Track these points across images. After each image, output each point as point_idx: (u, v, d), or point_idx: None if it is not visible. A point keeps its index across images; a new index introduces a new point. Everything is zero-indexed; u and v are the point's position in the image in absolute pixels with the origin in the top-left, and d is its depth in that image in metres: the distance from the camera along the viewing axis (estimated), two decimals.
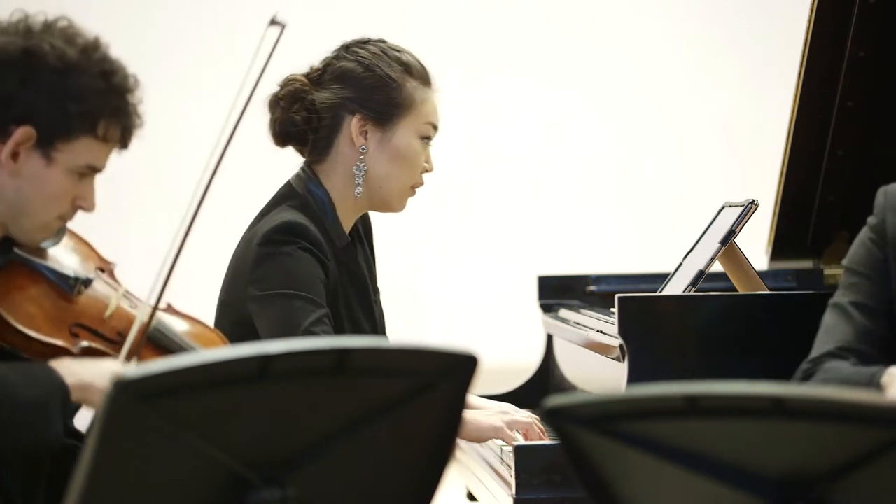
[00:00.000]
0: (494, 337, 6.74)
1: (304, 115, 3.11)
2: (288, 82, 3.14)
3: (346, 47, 3.17)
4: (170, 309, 2.53)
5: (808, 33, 3.59)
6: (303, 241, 2.99)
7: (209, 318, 3.08)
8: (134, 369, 1.77)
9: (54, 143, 2.33)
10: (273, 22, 2.50)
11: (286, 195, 3.12)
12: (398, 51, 3.16)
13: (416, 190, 3.17)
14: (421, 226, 6.80)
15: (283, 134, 3.14)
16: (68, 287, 2.42)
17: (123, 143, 2.43)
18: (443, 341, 2.00)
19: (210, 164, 2.45)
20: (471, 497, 3.69)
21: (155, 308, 2.42)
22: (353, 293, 3.12)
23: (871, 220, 2.72)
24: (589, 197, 7.04)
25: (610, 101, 7.06)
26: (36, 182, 2.35)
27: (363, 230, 3.24)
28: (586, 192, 7.04)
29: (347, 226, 3.14)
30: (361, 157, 3.09)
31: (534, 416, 3.18)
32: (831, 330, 2.66)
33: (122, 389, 1.76)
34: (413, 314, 6.90)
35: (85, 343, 2.39)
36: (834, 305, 2.69)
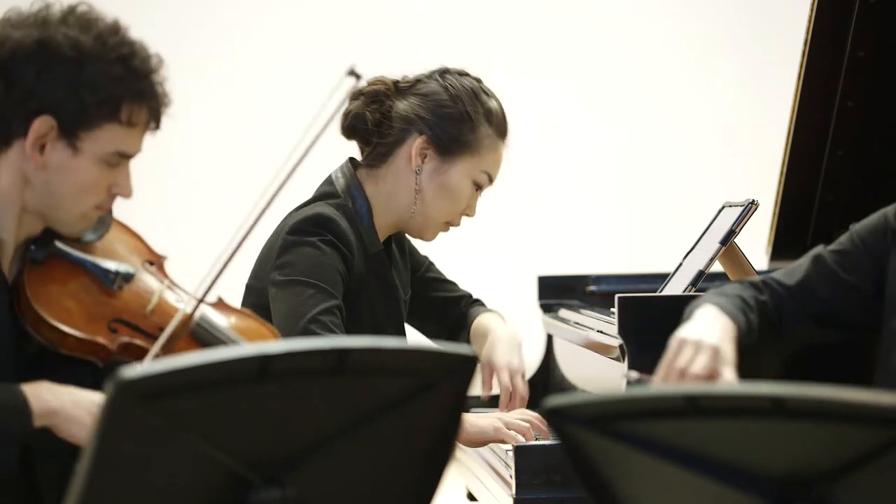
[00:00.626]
0: None
1: (377, 116, 3.15)
2: (375, 81, 3.19)
3: (443, 72, 3.24)
4: (220, 303, 2.51)
5: (808, 33, 3.59)
6: (328, 234, 3.03)
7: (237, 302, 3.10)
8: (134, 369, 1.77)
9: (77, 133, 2.32)
10: (351, 73, 2.50)
11: (327, 194, 3.15)
12: (488, 94, 3.22)
13: (450, 229, 3.24)
14: None
15: (352, 128, 3.17)
16: (108, 281, 2.40)
17: (153, 124, 2.41)
18: (443, 341, 2.00)
19: (270, 189, 2.42)
20: (471, 497, 3.69)
21: (199, 302, 2.39)
22: (380, 296, 3.14)
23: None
24: (589, 197, 7.04)
25: (610, 100, 7.06)
26: (65, 173, 2.34)
27: (397, 245, 3.27)
28: (586, 192, 7.04)
29: (382, 236, 3.18)
30: (416, 177, 3.13)
31: (532, 414, 3.18)
32: (787, 267, 2.66)
33: (122, 389, 1.76)
34: None
35: (125, 339, 2.38)
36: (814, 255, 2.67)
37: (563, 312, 3.81)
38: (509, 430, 3.11)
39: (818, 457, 1.72)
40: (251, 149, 6.50)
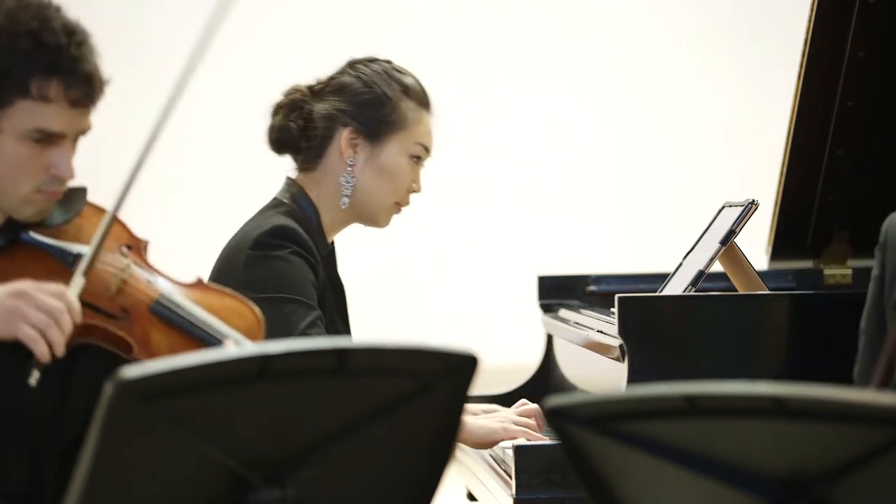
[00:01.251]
0: (494, 337, 6.74)
1: (300, 123, 3.19)
2: (290, 91, 3.23)
3: (352, 64, 3.26)
4: (198, 284, 2.47)
5: (808, 33, 3.59)
6: (293, 245, 3.05)
7: None
8: (134, 369, 1.77)
9: None
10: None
11: (273, 206, 3.18)
12: (401, 72, 3.25)
13: (402, 209, 3.23)
14: (421, 226, 6.80)
15: (279, 141, 3.21)
16: (68, 264, 2.35)
17: (77, 100, 2.35)
18: (443, 341, 2.00)
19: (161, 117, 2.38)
20: (471, 497, 3.69)
21: (94, 258, 2.32)
22: (333, 299, 3.17)
23: (876, 249, 2.72)
24: (589, 197, 7.04)
25: (610, 101, 7.06)
26: None
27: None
28: (586, 193, 7.04)
29: (331, 236, 3.21)
30: (350, 168, 3.16)
31: (531, 410, 3.19)
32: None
33: (122, 389, 1.76)
34: (413, 314, 6.91)
35: (87, 321, 2.34)
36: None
37: (563, 312, 3.81)
38: (517, 426, 3.12)
39: (818, 457, 1.72)
40: (250, 148, 6.48)
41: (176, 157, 6.59)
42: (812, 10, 3.56)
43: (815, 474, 1.73)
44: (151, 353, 2.35)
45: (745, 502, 1.76)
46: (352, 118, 3.17)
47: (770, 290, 3.32)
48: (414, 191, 3.22)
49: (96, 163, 6.65)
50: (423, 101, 3.23)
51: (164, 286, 2.41)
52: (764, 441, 1.74)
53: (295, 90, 3.22)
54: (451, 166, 6.86)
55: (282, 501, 1.88)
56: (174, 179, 6.61)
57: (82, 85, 2.35)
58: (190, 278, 2.46)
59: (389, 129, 3.18)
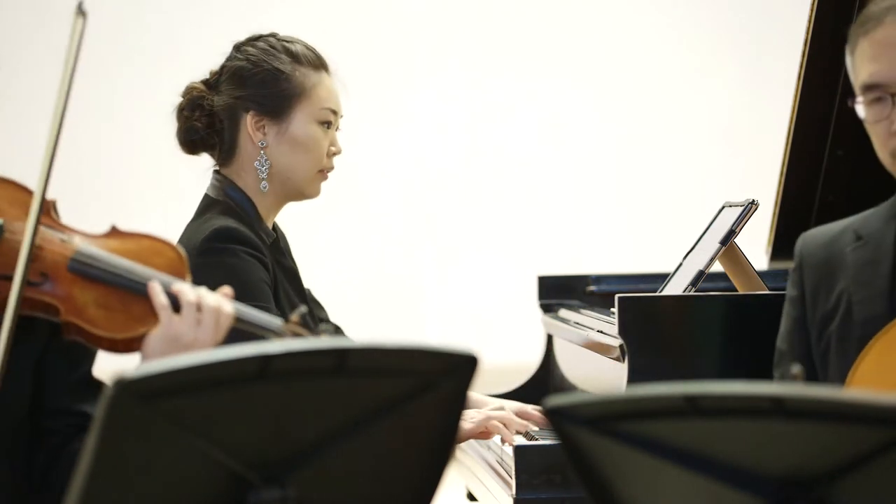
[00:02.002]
0: (494, 337, 6.75)
1: (205, 120, 3.17)
2: (187, 91, 3.21)
3: (238, 47, 3.23)
4: (113, 232, 2.42)
5: (808, 33, 3.59)
6: (239, 245, 3.03)
7: None
8: (134, 369, 1.77)
9: None
10: (79, 12, 2.44)
11: (207, 206, 3.17)
12: (288, 41, 3.21)
13: (328, 174, 3.20)
14: (421, 226, 6.80)
15: (189, 142, 3.20)
16: None
17: None
18: (443, 341, 2.00)
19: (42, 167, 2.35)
20: (471, 497, 3.69)
21: (35, 229, 2.27)
22: (289, 286, 3.15)
23: (790, 270, 2.72)
24: (589, 197, 7.05)
25: (610, 101, 7.06)
26: None
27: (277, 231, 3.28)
28: (586, 193, 7.05)
29: (270, 221, 3.19)
30: (262, 151, 3.14)
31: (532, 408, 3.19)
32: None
33: (122, 389, 1.76)
34: (413, 314, 6.91)
35: (3, 291, 2.30)
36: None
37: (563, 312, 3.82)
38: (487, 425, 3.13)
39: (818, 457, 1.72)
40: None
41: (179, 160, 6.59)
42: (812, 10, 3.56)
43: (815, 474, 1.73)
44: (79, 312, 2.32)
45: (745, 502, 1.76)
46: (251, 101, 3.14)
47: (770, 290, 3.32)
48: (334, 154, 3.19)
49: (96, 161, 6.66)
50: (316, 64, 3.19)
51: (78, 242, 2.37)
52: (764, 441, 1.74)
53: (191, 88, 3.20)
54: (451, 166, 6.87)
55: (282, 501, 1.88)
56: (174, 179, 6.61)
57: None
58: (103, 228, 2.42)
59: (290, 102, 3.14)
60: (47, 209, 2.41)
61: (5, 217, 2.37)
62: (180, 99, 3.20)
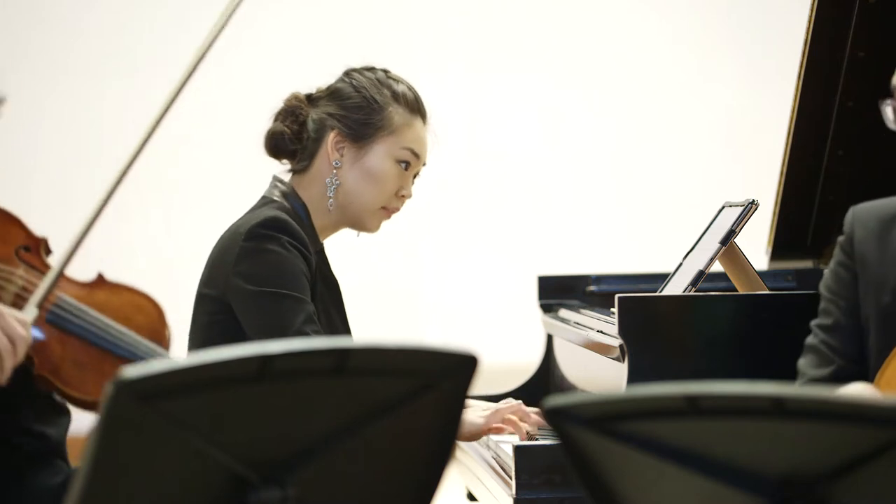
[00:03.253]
0: (494, 337, 6.74)
1: (294, 128, 3.24)
2: (289, 99, 3.28)
3: (348, 72, 3.31)
4: (98, 281, 2.38)
5: (808, 34, 3.60)
6: (287, 237, 3.06)
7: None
8: (134, 369, 1.77)
9: None
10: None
11: (264, 203, 3.21)
12: (396, 80, 3.29)
13: (392, 214, 3.25)
14: (421, 226, 6.80)
15: (275, 147, 3.25)
16: None
17: None
18: (443, 341, 2.00)
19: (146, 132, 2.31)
20: (471, 497, 3.69)
21: (48, 291, 2.24)
22: (328, 296, 3.18)
23: (840, 239, 2.73)
24: (589, 197, 7.05)
25: (610, 101, 7.06)
26: None
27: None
28: (586, 192, 7.05)
29: (321, 238, 3.22)
30: (335, 171, 3.19)
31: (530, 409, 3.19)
32: (804, 370, 2.71)
33: (122, 389, 1.76)
34: (413, 314, 6.91)
35: None
36: (808, 345, 2.72)
37: (563, 312, 3.82)
38: (496, 421, 3.13)
39: (818, 457, 1.72)
40: (252, 149, 6.48)
41: (177, 157, 6.59)
42: (812, 10, 3.56)
43: (815, 474, 1.73)
44: (53, 368, 2.27)
45: (745, 502, 1.76)
46: (339, 121, 3.21)
47: (770, 290, 3.32)
48: (404, 196, 3.24)
49: (96, 161, 6.67)
50: (413, 107, 3.26)
51: (60, 292, 2.31)
52: (764, 441, 1.74)
53: (292, 97, 3.28)
54: (450, 166, 6.86)
55: (282, 501, 1.88)
56: (174, 180, 6.62)
57: None
58: (89, 276, 2.37)
59: (374, 132, 3.20)
60: (37, 248, 2.36)
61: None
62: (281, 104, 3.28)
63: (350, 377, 1.90)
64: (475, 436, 3.18)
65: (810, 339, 2.72)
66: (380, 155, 3.20)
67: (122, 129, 6.76)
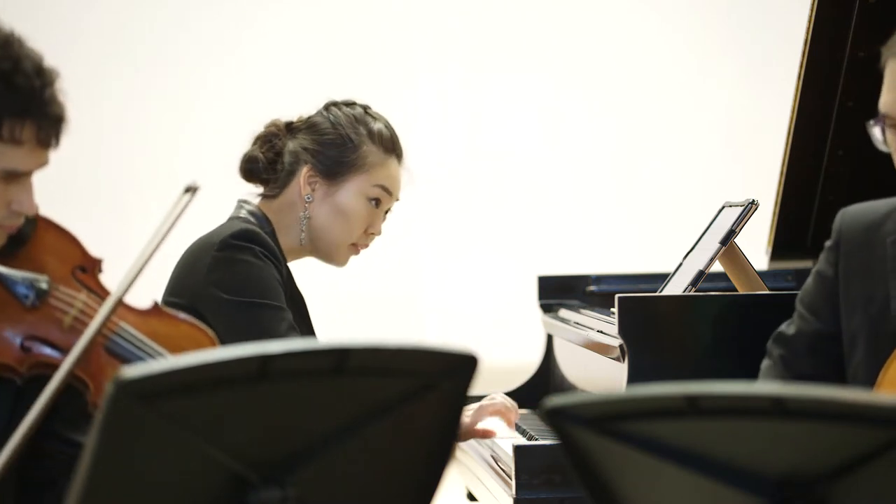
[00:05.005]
0: (494, 337, 6.74)
1: (270, 156, 3.27)
2: (269, 124, 3.32)
3: (328, 105, 3.33)
4: (154, 310, 2.37)
5: (807, 34, 3.60)
6: (259, 247, 3.09)
7: None
8: (134, 369, 1.77)
9: None
10: (188, 190, 2.39)
11: (232, 220, 3.23)
12: (374, 118, 3.31)
13: (360, 250, 3.28)
14: (421, 226, 6.80)
15: (248, 171, 3.30)
16: (21, 297, 2.25)
17: (47, 141, 2.28)
18: (443, 341, 2.00)
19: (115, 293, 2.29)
20: (471, 497, 3.69)
21: (106, 318, 2.22)
22: (296, 313, 3.19)
23: (827, 243, 2.71)
24: (589, 197, 7.05)
25: (610, 101, 7.06)
26: None
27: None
28: (586, 192, 7.05)
29: (288, 259, 3.24)
30: (306, 205, 3.23)
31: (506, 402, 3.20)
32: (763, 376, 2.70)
33: (122, 389, 1.76)
34: (413, 314, 6.91)
35: (39, 358, 2.25)
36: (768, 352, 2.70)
37: (563, 312, 3.82)
38: (481, 419, 3.14)
39: (818, 457, 1.72)
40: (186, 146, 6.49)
41: (176, 157, 6.60)
42: (812, 10, 3.56)
43: (815, 474, 1.73)
44: None
45: (744, 502, 1.76)
46: (312, 156, 3.24)
47: (770, 290, 3.32)
48: (372, 234, 3.27)
49: (96, 160, 6.66)
50: (388, 147, 3.29)
51: (118, 320, 2.29)
52: (764, 441, 1.74)
53: (272, 124, 3.31)
54: (450, 166, 6.86)
55: (282, 501, 1.88)
56: (174, 180, 6.61)
57: (53, 126, 2.29)
58: (146, 303, 2.36)
59: (347, 170, 3.23)
60: (93, 270, 2.35)
61: (50, 274, 2.30)
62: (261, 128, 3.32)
63: (350, 377, 1.90)
64: (464, 436, 3.19)
65: (770, 346, 2.69)
66: (351, 192, 3.23)
67: (122, 128, 6.76)
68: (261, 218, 3.21)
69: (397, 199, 3.31)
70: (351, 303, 6.76)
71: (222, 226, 3.20)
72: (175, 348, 2.32)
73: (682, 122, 7.05)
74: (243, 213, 3.23)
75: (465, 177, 6.92)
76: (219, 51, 6.82)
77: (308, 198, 3.22)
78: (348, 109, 3.30)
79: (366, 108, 3.32)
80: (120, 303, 2.25)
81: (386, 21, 6.91)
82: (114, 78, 6.69)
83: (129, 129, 6.70)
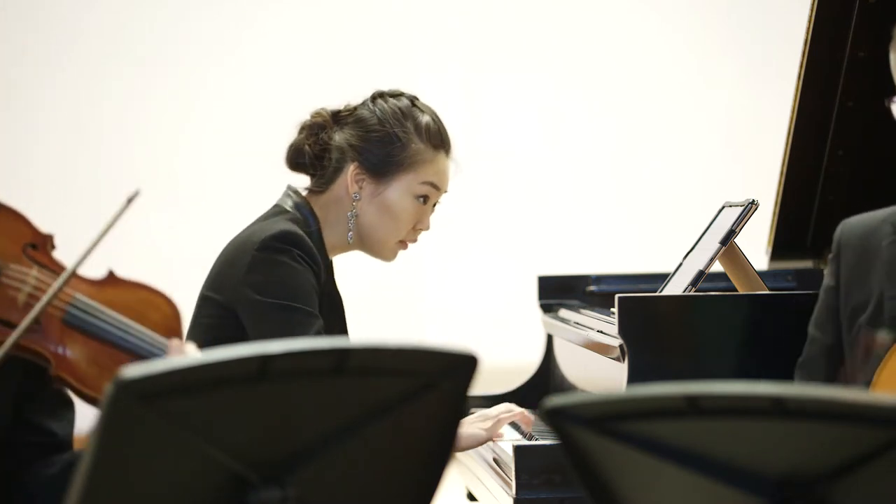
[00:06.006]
0: (494, 337, 6.74)
1: (316, 149, 3.23)
2: (316, 114, 3.27)
3: (375, 97, 3.28)
4: (109, 278, 2.35)
5: (807, 34, 3.60)
6: (298, 251, 3.07)
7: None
8: (134, 369, 1.77)
9: None
10: (129, 200, 2.38)
11: (277, 212, 3.20)
12: (422, 111, 3.26)
13: (408, 246, 3.26)
14: None
15: (294, 160, 3.26)
16: None
17: None
18: (443, 341, 2.00)
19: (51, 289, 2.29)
20: (471, 497, 3.69)
21: (58, 290, 2.22)
22: (331, 312, 3.18)
23: (829, 256, 2.72)
24: (589, 197, 7.05)
25: (610, 101, 7.06)
26: None
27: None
28: (586, 192, 7.05)
29: (330, 253, 3.23)
30: (354, 203, 3.20)
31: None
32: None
33: (122, 389, 1.76)
34: (413, 314, 6.91)
35: None
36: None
37: (563, 312, 3.82)
38: (498, 430, 3.14)
39: (818, 457, 1.72)
40: (252, 148, 6.51)
41: (176, 157, 6.59)
42: (812, 10, 3.56)
43: (815, 474, 1.73)
44: (71, 368, 2.26)
45: (745, 502, 1.76)
46: (360, 154, 3.20)
47: (770, 290, 3.32)
48: (421, 229, 3.26)
49: (96, 160, 6.66)
50: (437, 141, 3.25)
51: (74, 291, 2.29)
52: (764, 441, 1.74)
53: (318, 114, 3.26)
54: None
55: (282, 501, 1.88)
56: (173, 180, 6.62)
57: None
58: (100, 272, 2.36)
59: (394, 169, 3.20)
60: (44, 246, 2.33)
61: (0, 254, 2.29)
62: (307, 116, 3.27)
63: (350, 377, 1.90)
64: (477, 445, 3.19)
65: (795, 377, 2.70)
66: (399, 191, 3.21)
67: (122, 128, 6.76)
68: (307, 213, 3.18)
69: (445, 192, 3.28)
70: (351, 303, 6.75)
71: (264, 220, 3.17)
72: (133, 314, 2.32)
73: (682, 122, 7.05)
74: (289, 206, 3.19)
75: (465, 177, 6.92)
76: (219, 51, 6.82)
77: (356, 196, 3.19)
78: (395, 102, 3.26)
79: (413, 100, 3.28)
80: (73, 275, 2.25)
81: (386, 21, 6.91)
82: (114, 78, 6.69)
83: (129, 129, 6.71)
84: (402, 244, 3.25)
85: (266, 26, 6.87)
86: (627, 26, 7.04)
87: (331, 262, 3.24)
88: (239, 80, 6.78)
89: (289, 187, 3.25)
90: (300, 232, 3.10)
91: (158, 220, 6.52)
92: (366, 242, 3.22)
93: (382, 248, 3.23)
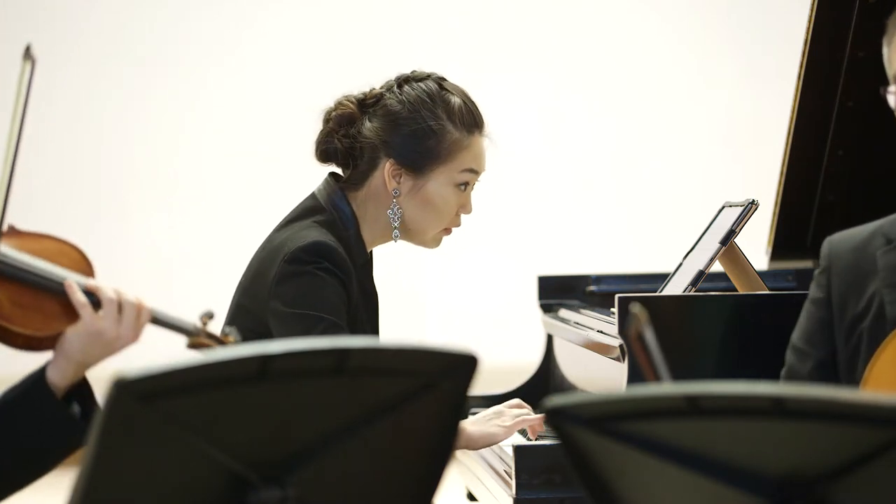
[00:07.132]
0: (494, 337, 6.74)
1: (347, 143, 3.14)
2: (340, 105, 3.17)
3: (401, 83, 3.19)
4: (11, 231, 2.39)
5: (807, 34, 3.60)
6: (328, 263, 3.01)
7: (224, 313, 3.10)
8: (134, 369, 1.77)
9: None
10: (27, 55, 2.38)
11: (313, 208, 3.14)
12: (450, 92, 3.20)
13: (452, 230, 3.21)
14: None
15: (324, 153, 3.18)
16: None
17: None
18: (443, 341, 2.00)
19: None
20: (471, 497, 3.69)
21: None
22: (364, 310, 3.14)
23: (816, 272, 2.71)
24: (589, 197, 7.05)
25: (610, 100, 7.06)
26: None
27: None
28: (586, 192, 7.05)
29: (370, 247, 3.17)
30: (394, 199, 3.13)
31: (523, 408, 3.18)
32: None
33: (122, 389, 1.76)
34: (413, 314, 6.91)
35: None
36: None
37: (563, 312, 3.82)
38: (518, 424, 3.12)
39: (818, 457, 1.72)
40: (252, 148, 6.50)
41: (176, 157, 6.59)
42: (812, 10, 3.56)
43: (815, 474, 1.73)
44: None
45: (745, 502, 1.76)
46: (394, 150, 3.12)
47: (770, 290, 3.32)
48: (465, 213, 3.20)
49: (96, 160, 6.66)
50: (471, 124, 3.20)
51: None
52: (764, 441, 1.74)
53: (344, 104, 3.17)
54: None
55: (282, 501, 1.88)
56: (177, 182, 6.62)
57: None
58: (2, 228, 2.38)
59: (432, 163, 3.13)
60: None
61: None
62: (331, 104, 3.19)
63: (350, 377, 1.90)
64: (494, 444, 3.16)
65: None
66: (439, 183, 3.14)
67: (122, 128, 6.76)
68: (345, 210, 3.12)
69: (484, 171, 3.22)
70: None
71: (298, 231, 3.09)
72: (48, 260, 2.36)
73: (682, 122, 7.05)
74: (326, 202, 3.12)
75: None
76: (219, 51, 6.82)
77: (395, 192, 3.12)
78: (421, 86, 3.18)
79: (440, 82, 3.21)
80: None
81: (386, 21, 6.91)
82: (114, 78, 6.69)
83: (129, 128, 6.71)
84: (447, 231, 3.20)
85: (266, 26, 6.87)
86: (627, 26, 7.04)
87: (369, 257, 3.18)
88: (239, 80, 6.78)
89: (330, 174, 3.18)
90: (331, 242, 3.04)
91: (158, 220, 6.52)
92: (410, 235, 3.17)
93: (428, 239, 3.18)
